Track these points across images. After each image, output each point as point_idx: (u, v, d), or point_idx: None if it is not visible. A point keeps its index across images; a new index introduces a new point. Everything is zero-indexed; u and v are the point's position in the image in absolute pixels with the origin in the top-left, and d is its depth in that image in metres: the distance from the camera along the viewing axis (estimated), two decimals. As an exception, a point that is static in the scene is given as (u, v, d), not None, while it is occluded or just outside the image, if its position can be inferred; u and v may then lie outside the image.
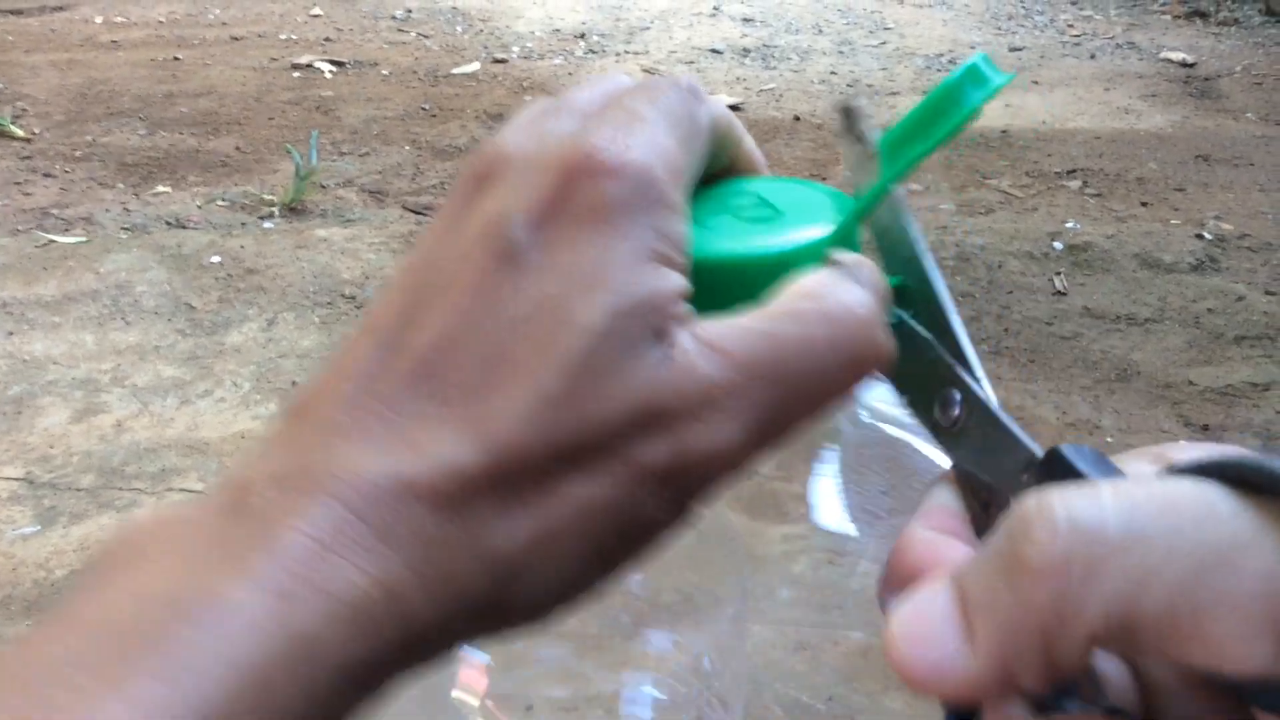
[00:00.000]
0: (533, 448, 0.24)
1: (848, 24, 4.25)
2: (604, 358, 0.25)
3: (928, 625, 0.23)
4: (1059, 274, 2.47)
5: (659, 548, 0.27)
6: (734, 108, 3.45)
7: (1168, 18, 4.34)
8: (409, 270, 0.27)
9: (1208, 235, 2.61)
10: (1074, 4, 4.52)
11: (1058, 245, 2.57)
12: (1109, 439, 2.00)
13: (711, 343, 0.25)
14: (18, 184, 2.75)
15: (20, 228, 2.54)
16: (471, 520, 0.24)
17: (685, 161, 0.27)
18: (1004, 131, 3.21)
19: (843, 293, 0.27)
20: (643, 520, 0.26)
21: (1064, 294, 2.40)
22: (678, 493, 0.26)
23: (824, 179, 2.97)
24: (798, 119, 3.31)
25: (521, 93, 3.45)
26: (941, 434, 0.29)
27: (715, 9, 4.36)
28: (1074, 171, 2.97)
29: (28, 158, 2.90)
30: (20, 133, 3.00)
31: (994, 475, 0.27)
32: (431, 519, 0.24)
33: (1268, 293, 2.41)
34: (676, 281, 0.26)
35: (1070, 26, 4.27)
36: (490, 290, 0.25)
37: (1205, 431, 2.01)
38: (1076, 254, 2.55)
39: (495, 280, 0.25)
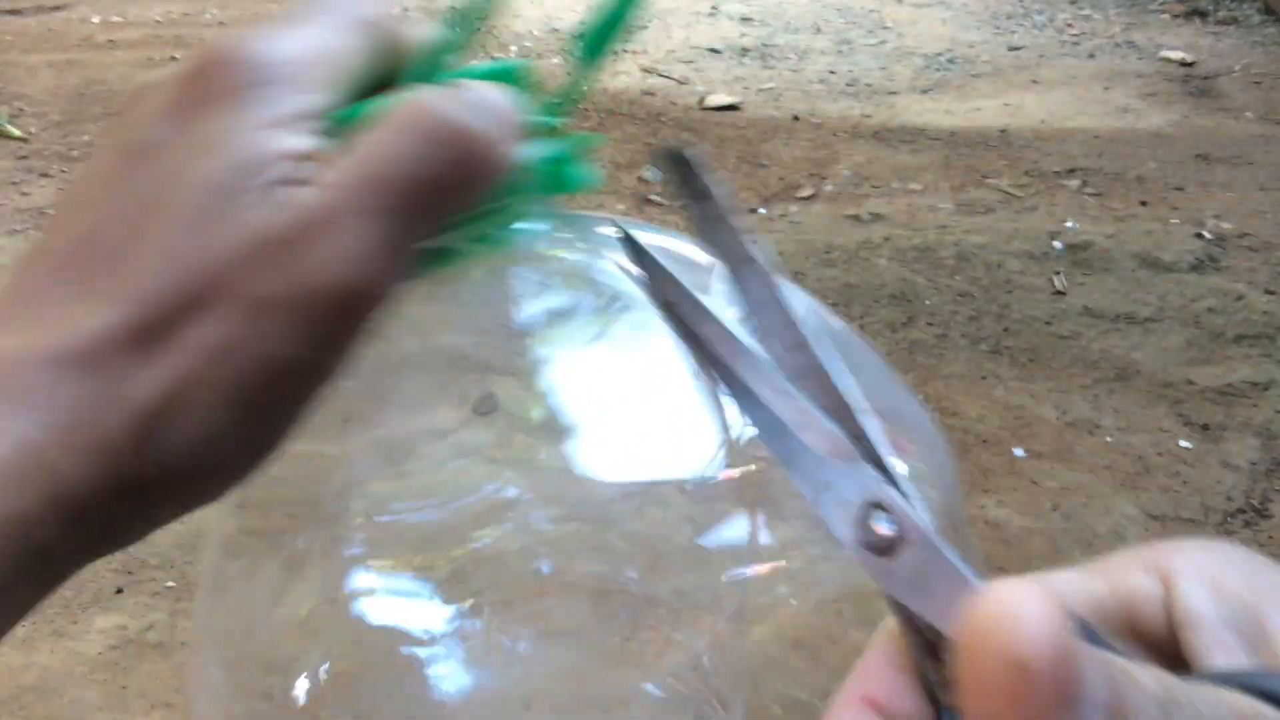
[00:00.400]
0: (161, 298, 0.26)
1: (846, 23, 4.25)
2: (216, 208, 0.27)
3: None
4: (1058, 273, 2.47)
5: (315, 393, 0.28)
6: (733, 107, 3.45)
7: (1167, 17, 4.33)
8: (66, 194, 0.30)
9: (1207, 234, 2.61)
10: (1073, 3, 4.52)
11: (1057, 244, 2.57)
12: (1109, 438, 2.00)
13: (320, 177, 0.27)
14: (15, 184, 2.75)
15: (17, 228, 2.53)
16: (110, 375, 0.26)
17: (329, 52, 0.29)
18: (1003, 131, 3.21)
19: (443, 104, 0.28)
20: (276, 357, 0.27)
21: (1063, 293, 2.40)
22: (308, 324, 0.27)
23: (824, 179, 2.97)
24: (796, 118, 3.31)
25: (520, 92, 3.46)
26: (867, 557, 0.24)
27: (714, 8, 4.35)
28: (1073, 171, 2.96)
29: (24, 158, 2.89)
30: (17, 133, 3.00)
31: (938, 616, 0.22)
32: (70, 379, 0.26)
33: (1268, 292, 2.41)
34: (296, 142, 0.28)
35: (1069, 25, 4.27)
36: (121, 180, 0.28)
37: (1205, 431, 2.01)
38: (1076, 253, 2.54)
39: (126, 171, 0.28)
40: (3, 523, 0.25)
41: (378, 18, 0.31)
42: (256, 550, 0.40)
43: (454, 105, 0.29)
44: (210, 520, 0.38)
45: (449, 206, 0.29)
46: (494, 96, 0.30)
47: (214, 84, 0.28)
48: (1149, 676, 0.19)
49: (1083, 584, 0.24)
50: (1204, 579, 0.23)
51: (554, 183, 0.34)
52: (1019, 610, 0.18)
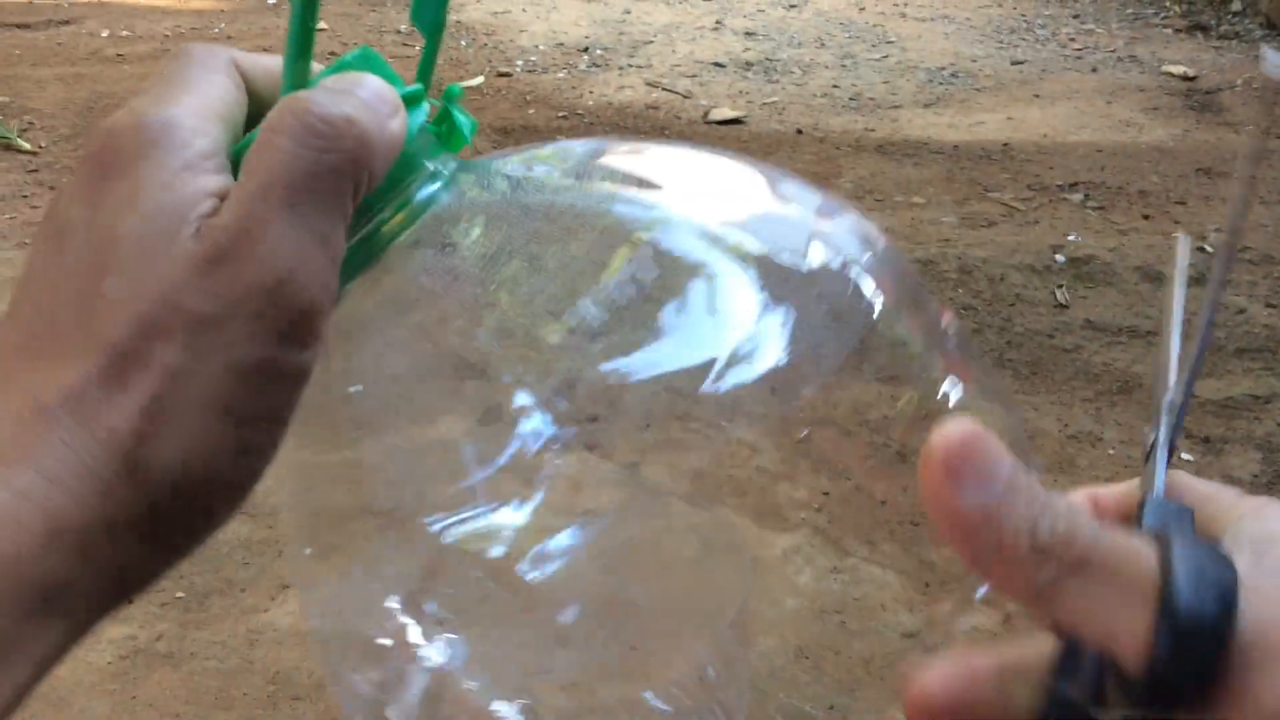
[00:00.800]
0: (122, 336, 0.29)
1: (850, 37, 4.27)
2: (151, 251, 0.29)
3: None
4: (1061, 287, 2.48)
5: (293, 389, 0.30)
6: (737, 121, 3.46)
7: (1169, 31, 4.35)
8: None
9: (1209, 248, 2.62)
10: (1076, 17, 4.54)
11: (1059, 258, 2.58)
12: (1111, 451, 2.00)
13: (230, 201, 0.30)
14: (24, 197, 2.76)
15: (27, 241, 2.55)
16: (91, 414, 0.28)
17: (209, 98, 0.32)
18: (1005, 145, 3.22)
19: (309, 99, 0.31)
20: (243, 361, 0.29)
21: (1066, 306, 2.41)
22: (263, 323, 0.29)
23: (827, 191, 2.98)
24: (800, 132, 3.32)
25: (526, 106, 3.47)
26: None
27: (718, 23, 4.37)
28: (1076, 184, 2.97)
29: (34, 171, 2.91)
30: (27, 146, 3.02)
31: None
32: (56, 428, 0.28)
33: (1269, 305, 2.41)
34: (204, 181, 0.30)
35: (1072, 40, 4.28)
36: (61, 256, 0.30)
37: (1206, 444, 2.01)
38: (1078, 267, 2.55)
39: (62, 248, 0.30)
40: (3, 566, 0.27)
41: (241, 57, 0.35)
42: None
43: (320, 97, 0.31)
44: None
45: (352, 186, 0.31)
46: (357, 80, 0.33)
47: (119, 153, 0.31)
48: (1043, 493, 0.26)
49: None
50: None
51: (446, 141, 0.37)
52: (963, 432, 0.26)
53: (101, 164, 0.31)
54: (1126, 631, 0.25)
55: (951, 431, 0.26)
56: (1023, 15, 4.56)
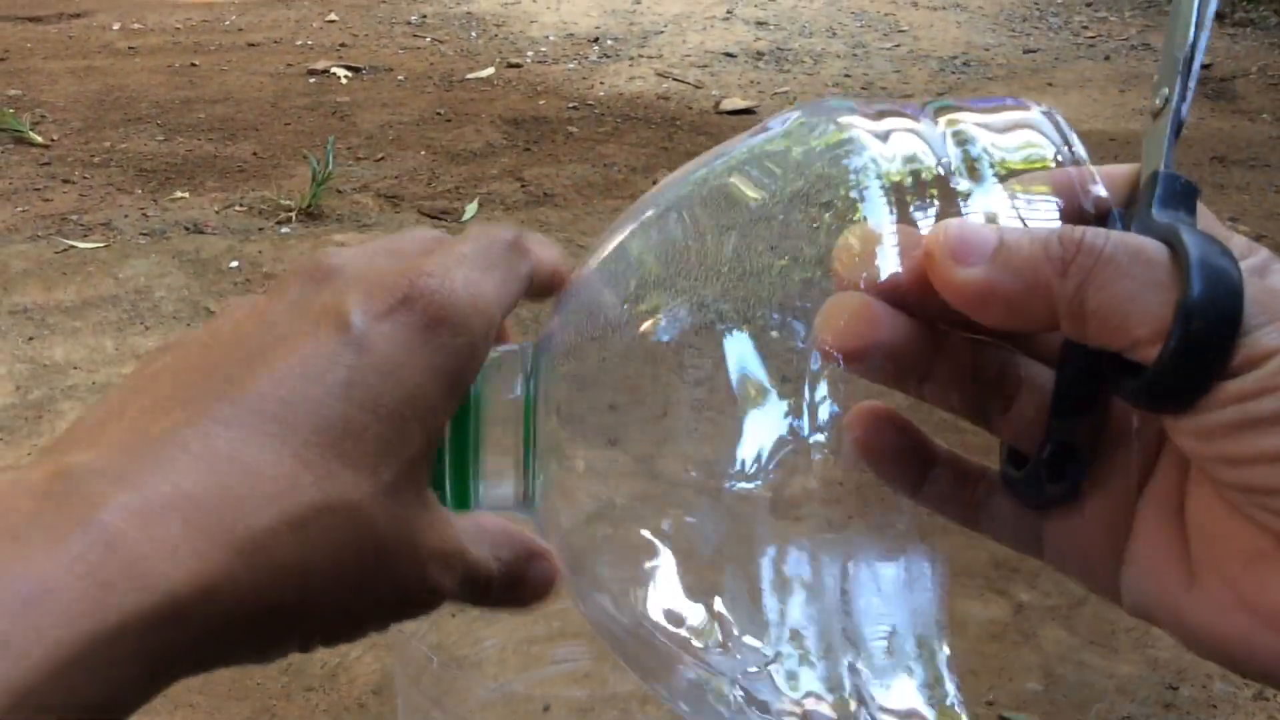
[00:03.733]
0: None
1: (861, 27, 4.26)
2: (379, 436, 0.29)
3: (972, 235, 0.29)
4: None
5: None
6: (749, 111, 3.45)
7: (1183, 19, 4.32)
8: (235, 326, 0.31)
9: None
10: (1088, 5, 4.51)
11: (1073, 247, 2.57)
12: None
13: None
14: (37, 190, 2.77)
15: (40, 233, 2.56)
16: (303, 534, 0.27)
17: (496, 300, 0.32)
18: (1018, 134, 3.20)
19: None
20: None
21: (1079, 296, 2.40)
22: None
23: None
24: (812, 122, 3.31)
25: (536, 97, 3.47)
26: None
27: (729, 13, 4.36)
28: (1089, 173, 2.96)
29: (47, 164, 2.92)
30: (39, 139, 3.03)
31: None
32: (252, 523, 0.26)
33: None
34: (447, 399, 0.31)
35: (1085, 28, 4.26)
36: (326, 353, 0.29)
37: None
38: (1091, 256, 2.54)
39: (332, 347, 0.29)
40: (156, 653, 0.25)
41: (535, 264, 0.35)
42: None
43: None
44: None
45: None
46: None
47: (415, 309, 0.31)
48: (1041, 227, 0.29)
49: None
50: None
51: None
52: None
53: (402, 304, 0.30)
54: (1145, 318, 0.27)
55: (943, 229, 0.29)
56: (1035, 4, 4.54)
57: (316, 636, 0.29)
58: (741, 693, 0.32)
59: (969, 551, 0.35)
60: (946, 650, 0.31)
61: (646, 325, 0.33)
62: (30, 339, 2.16)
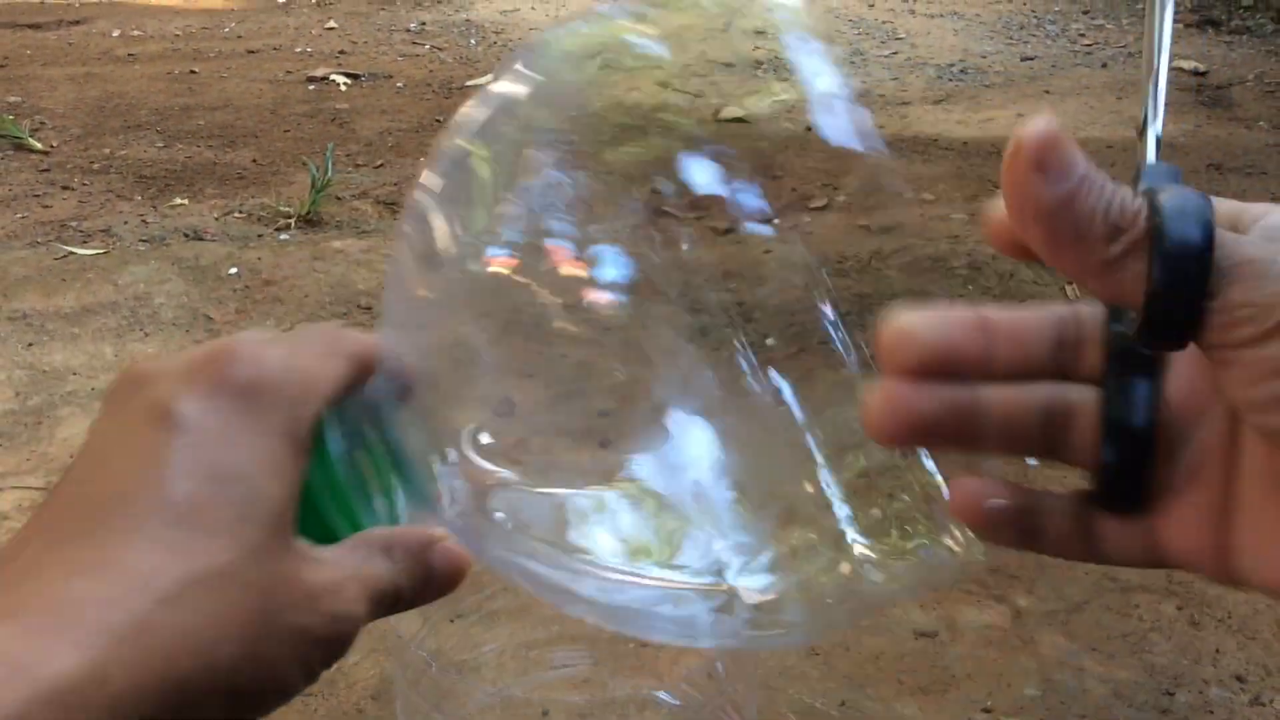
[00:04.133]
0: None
1: (859, 34, 4.27)
2: (229, 501, 0.31)
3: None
4: (1071, 283, 2.47)
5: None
6: (744, 120, 3.46)
7: (1180, 26, 4.33)
8: (78, 456, 0.33)
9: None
10: (1086, 13, 4.53)
11: (1070, 255, 2.57)
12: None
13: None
14: (36, 196, 2.78)
15: (39, 240, 2.56)
16: (179, 607, 0.29)
17: (316, 366, 0.35)
18: (1016, 141, 3.21)
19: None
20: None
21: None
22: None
23: (836, 189, 2.98)
24: (809, 130, 3.32)
25: (534, 104, 3.48)
26: None
27: (727, 24, 4.37)
28: (1086, 181, 2.97)
29: (46, 170, 2.92)
30: (39, 146, 3.03)
31: None
32: (133, 612, 0.29)
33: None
34: (291, 458, 0.33)
35: (1082, 36, 4.27)
36: (158, 442, 0.31)
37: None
38: (1089, 263, 2.55)
39: (161, 435, 0.32)
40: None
41: (354, 351, 0.37)
42: None
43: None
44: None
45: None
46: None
47: (232, 380, 0.33)
48: (1112, 183, 0.30)
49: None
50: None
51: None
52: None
53: (220, 378, 0.33)
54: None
55: (1036, 127, 0.29)
56: (1032, 11, 4.55)
57: (247, 699, 0.31)
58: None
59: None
60: None
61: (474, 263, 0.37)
62: (30, 345, 2.17)
